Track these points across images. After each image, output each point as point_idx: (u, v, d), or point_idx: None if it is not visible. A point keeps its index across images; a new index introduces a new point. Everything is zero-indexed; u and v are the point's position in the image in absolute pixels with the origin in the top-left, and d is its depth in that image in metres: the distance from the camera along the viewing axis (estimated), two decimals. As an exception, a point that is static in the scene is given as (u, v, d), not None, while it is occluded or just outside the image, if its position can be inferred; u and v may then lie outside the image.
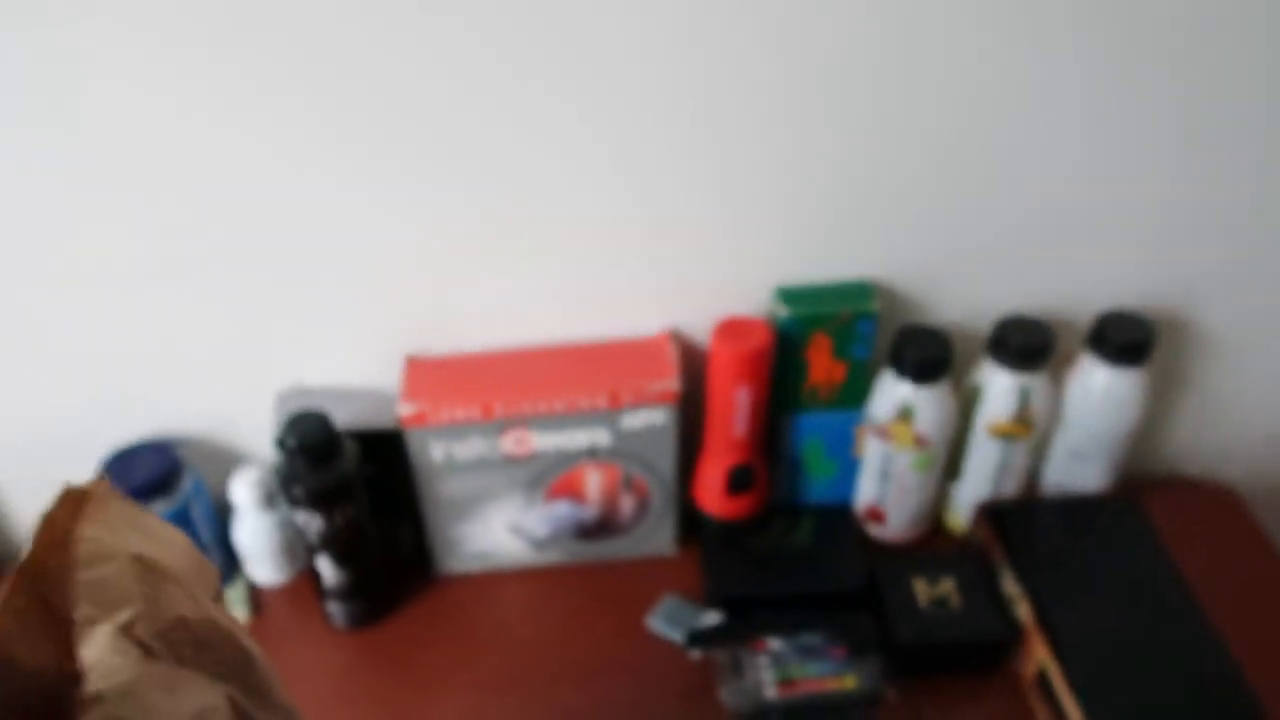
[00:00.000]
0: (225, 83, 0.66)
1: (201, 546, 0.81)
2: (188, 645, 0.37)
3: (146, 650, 0.34)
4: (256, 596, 0.84)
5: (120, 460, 0.78)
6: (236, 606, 0.82)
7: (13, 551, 0.88)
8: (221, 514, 0.83)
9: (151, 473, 0.77)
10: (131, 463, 0.78)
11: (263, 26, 0.64)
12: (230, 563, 0.84)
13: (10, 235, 0.71)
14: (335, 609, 0.80)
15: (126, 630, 0.34)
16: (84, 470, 0.81)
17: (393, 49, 0.66)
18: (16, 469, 0.83)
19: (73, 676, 0.36)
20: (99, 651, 0.33)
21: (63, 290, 0.74)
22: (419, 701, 0.76)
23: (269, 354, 0.80)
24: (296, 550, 0.82)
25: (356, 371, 0.81)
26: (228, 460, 0.84)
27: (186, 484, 0.79)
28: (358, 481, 0.74)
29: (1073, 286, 0.83)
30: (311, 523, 0.74)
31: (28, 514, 0.86)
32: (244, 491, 0.79)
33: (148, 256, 0.73)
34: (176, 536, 0.40)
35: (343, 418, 0.75)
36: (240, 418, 0.83)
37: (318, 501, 0.73)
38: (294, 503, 0.73)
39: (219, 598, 0.41)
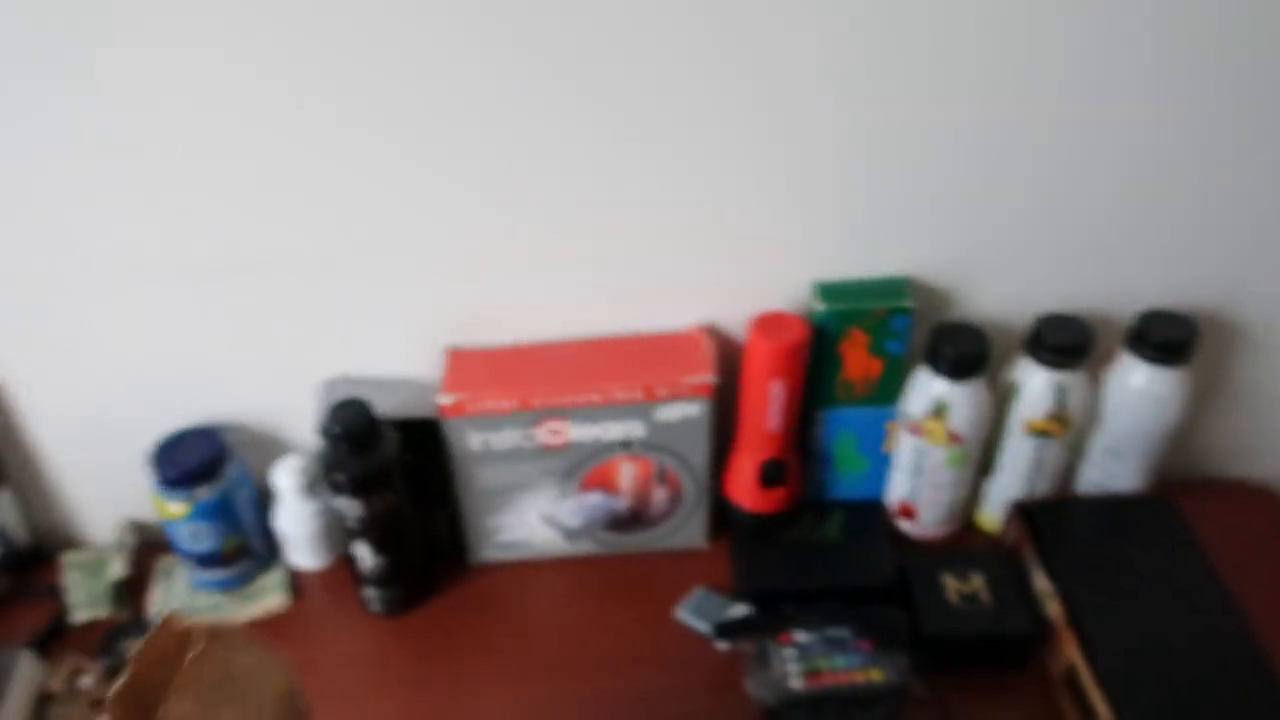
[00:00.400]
0: (273, 93, 0.68)
1: (244, 531, 0.83)
2: None
3: None
4: (296, 581, 0.86)
5: (169, 445, 0.80)
6: (276, 591, 0.84)
7: (68, 531, 0.91)
8: (264, 500, 0.85)
9: (199, 458, 0.79)
10: (180, 447, 0.80)
11: (306, 36, 0.66)
12: (271, 548, 0.86)
13: (72, 229, 0.74)
14: (372, 594, 0.81)
15: None
16: (135, 454, 0.83)
17: (427, 50, 0.67)
18: (73, 451, 0.86)
19: None
20: None
21: (120, 283, 0.77)
22: (452, 687, 0.77)
23: (315, 345, 0.81)
24: (335, 537, 0.84)
25: (399, 362, 0.83)
26: (272, 448, 0.86)
27: (232, 470, 0.81)
28: (398, 469, 0.76)
29: (1113, 284, 0.82)
30: (351, 508, 0.75)
31: (82, 493, 0.89)
32: (286, 478, 0.81)
33: (200, 254, 0.76)
34: (267, 684, 0.40)
35: (385, 406, 0.77)
36: (285, 407, 0.85)
37: (358, 487, 0.74)
38: (335, 488, 0.75)
39: None
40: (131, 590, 0.85)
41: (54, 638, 0.81)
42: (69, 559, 0.86)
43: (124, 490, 0.87)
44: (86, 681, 0.75)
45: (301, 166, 0.72)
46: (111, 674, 0.77)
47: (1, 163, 0.70)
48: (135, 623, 0.82)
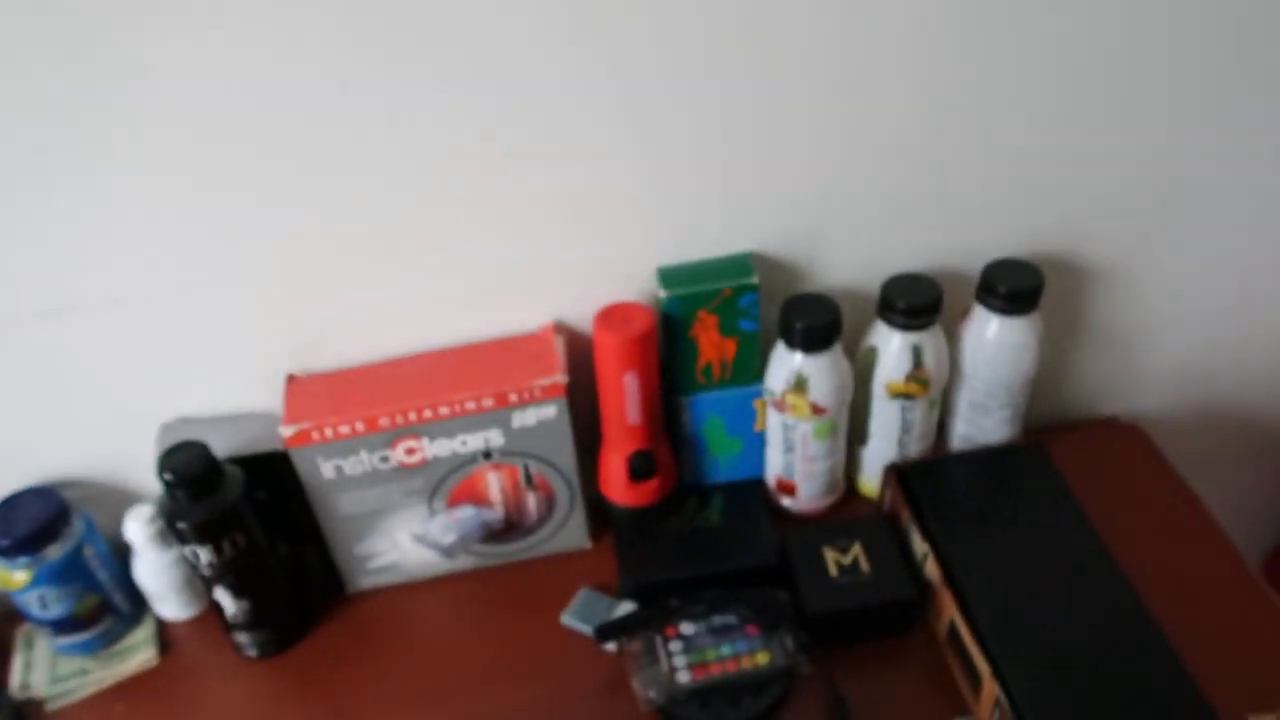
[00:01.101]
0: (82, 126, 0.64)
1: (100, 589, 0.79)
2: None
3: None
4: (166, 634, 0.82)
5: (3, 508, 0.76)
6: (144, 647, 0.81)
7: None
8: (121, 555, 0.81)
9: (37, 519, 0.75)
10: (14, 512, 0.76)
11: (106, 64, 0.62)
12: (136, 602, 0.83)
13: None
14: (243, 639, 0.78)
15: None
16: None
17: (239, 61, 0.64)
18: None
19: None
20: None
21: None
22: (336, 723, 0.75)
23: (150, 388, 0.78)
24: (198, 584, 0.81)
25: (242, 397, 0.79)
26: (121, 499, 0.82)
27: (77, 527, 0.77)
28: (245, 508, 0.73)
29: (959, 240, 0.82)
30: (202, 556, 0.72)
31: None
32: (137, 530, 0.78)
33: (10, 299, 0.71)
34: None
35: (227, 445, 0.74)
36: (128, 455, 0.81)
37: (204, 534, 0.71)
38: (181, 538, 0.71)
39: None
40: (-10, 666, 0.81)
41: (-95, 727, 0.77)
42: (-84, 643, 0.82)
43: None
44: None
45: (115, 199, 0.68)
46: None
47: None
48: (-5, 699, 0.77)
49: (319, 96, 0.66)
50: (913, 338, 0.78)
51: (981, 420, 0.84)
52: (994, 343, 0.79)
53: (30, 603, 0.76)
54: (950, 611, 0.73)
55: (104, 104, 0.64)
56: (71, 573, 0.76)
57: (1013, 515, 0.78)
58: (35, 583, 0.75)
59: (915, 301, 0.77)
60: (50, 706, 0.78)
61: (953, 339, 0.81)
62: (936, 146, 0.77)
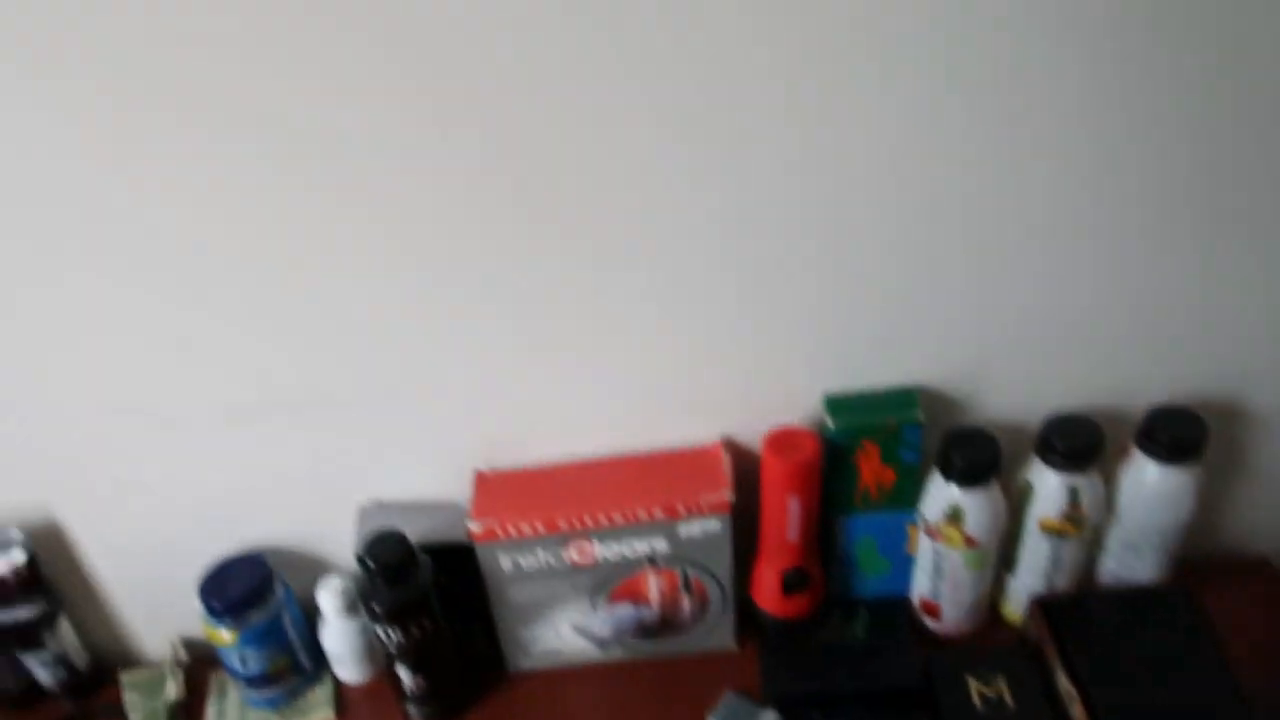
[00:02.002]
0: (299, 241, 0.73)
1: (290, 650, 0.86)
2: None
3: None
4: (342, 695, 0.90)
5: (216, 575, 0.84)
6: (323, 706, 0.88)
7: (125, 649, 0.95)
8: (309, 617, 0.89)
9: (245, 586, 0.83)
10: (229, 574, 0.84)
11: (323, 188, 0.70)
12: (318, 662, 0.90)
13: (115, 381, 0.78)
14: (414, 711, 0.85)
15: None
16: (187, 576, 0.87)
17: (442, 194, 0.71)
18: (127, 577, 0.90)
19: None
20: None
21: (163, 427, 0.81)
22: (495, 800, 0.80)
23: (350, 472, 0.85)
24: (378, 652, 0.88)
25: (431, 483, 0.86)
26: (314, 568, 0.90)
27: (277, 595, 0.85)
28: (433, 596, 0.79)
29: (1121, 381, 0.84)
30: (390, 635, 0.79)
31: (137, 614, 0.93)
32: (329, 600, 0.85)
33: (235, 396, 0.80)
34: None
35: (418, 532, 0.80)
36: (326, 528, 0.89)
37: (395, 616, 0.78)
38: (374, 617, 0.78)
39: None
40: (188, 707, 0.89)
41: (118, 758, 0.86)
42: (126, 680, 0.91)
43: (177, 607, 0.90)
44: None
45: (330, 317, 0.76)
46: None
47: (39, 325, 0.75)
48: (191, 743, 0.86)
49: (518, 223, 0.73)
50: (1070, 479, 0.80)
51: (1133, 560, 0.85)
52: (1152, 489, 0.81)
53: (232, 658, 0.84)
54: (1097, 757, 0.74)
55: (332, 220, 0.72)
56: (270, 636, 0.84)
57: (1159, 659, 0.79)
58: (239, 643, 0.83)
59: (1075, 444, 0.79)
60: (240, 753, 0.86)
61: (1109, 478, 0.83)
62: (1100, 287, 0.79)
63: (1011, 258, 0.77)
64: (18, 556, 0.83)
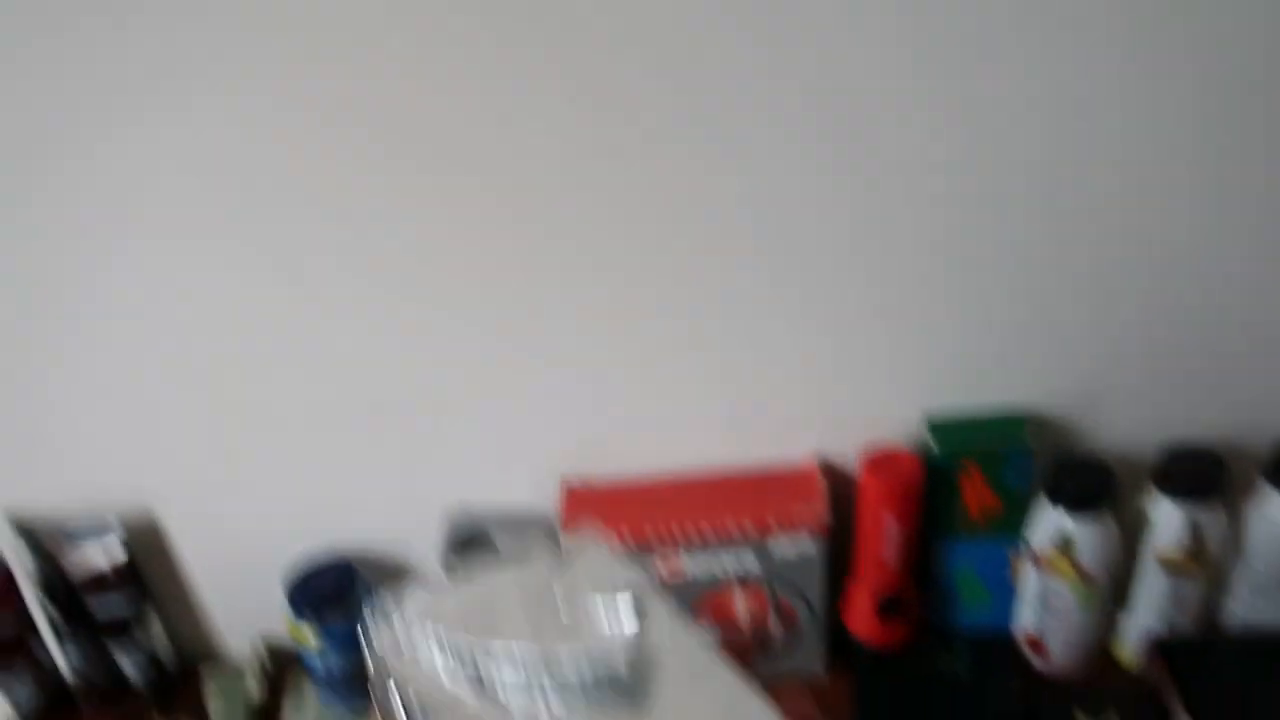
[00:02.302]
0: (403, 255, 0.73)
1: (373, 656, 0.86)
2: None
3: None
4: (421, 704, 0.88)
5: (306, 572, 0.84)
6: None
7: (209, 646, 0.96)
8: (391, 623, 0.88)
9: (334, 585, 0.83)
10: (316, 575, 0.84)
11: (422, 203, 0.71)
12: (398, 670, 0.89)
13: (217, 385, 0.80)
14: None
15: None
16: (272, 575, 0.88)
17: (542, 197, 0.71)
18: (216, 574, 0.91)
19: None
20: None
21: (261, 428, 0.82)
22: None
23: (438, 477, 0.85)
24: (459, 662, 0.87)
25: (519, 491, 0.85)
26: (398, 572, 0.90)
27: (363, 597, 0.85)
28: (517, 604, 0.78)
29: (1247, 411, 0.79)
30: (474, 642, 0.77)
31: (223, 611, 0.94)
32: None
33: (331, 400, 0.81)
34: None
35: (506, 545, 0.79)
36: (410, 533, 0.88)
37: (480, 623, 0.76)
38: (458, 623, 0.77)
39: None
40: (267, 708, 0.89)
41: (200, 756, 0.86)
42: (209, 679, 0.91)
43: (262, 607, 0.91)
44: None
45: (422, 325, 0.77)
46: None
47: (151, 326, 0.77)
48: (271, 745, 0.85)
49: (617, 232, 0.72)
50: (1191, 511, 0.75)
51: (1262, 605, 0.79)
52: (1284, 526, 0.75)
53: (314, 659, 0.84)
54: (1222, 813, 0.68)
55: (437, 227, 0.72)
56: (353, 639, 0.84)
57: (1294, 713, 0.73)
58: (322, 644, 0.83)
59: (1196, 473, 0.74)
60: (317, 757, 0.85)
61: (1234, 516, 0.77)
62: (1227, 311, 0.75)
63: (1133, 277, 0.74)
64: (116, 549, 0.84)
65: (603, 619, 0.32)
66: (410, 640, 0.35)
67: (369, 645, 0.36)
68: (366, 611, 0.83)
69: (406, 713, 0.31)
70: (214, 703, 0.89)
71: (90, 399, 0.81)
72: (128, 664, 0.89)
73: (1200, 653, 0.78)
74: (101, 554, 0.84)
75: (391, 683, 0.33)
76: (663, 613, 0.33)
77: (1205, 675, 0.76)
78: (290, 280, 0.75)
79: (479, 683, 0.32)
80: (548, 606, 0.35)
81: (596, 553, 0.38)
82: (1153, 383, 0.78)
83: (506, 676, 0.32)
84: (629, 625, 0.31)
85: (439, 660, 0.36)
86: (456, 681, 0.34)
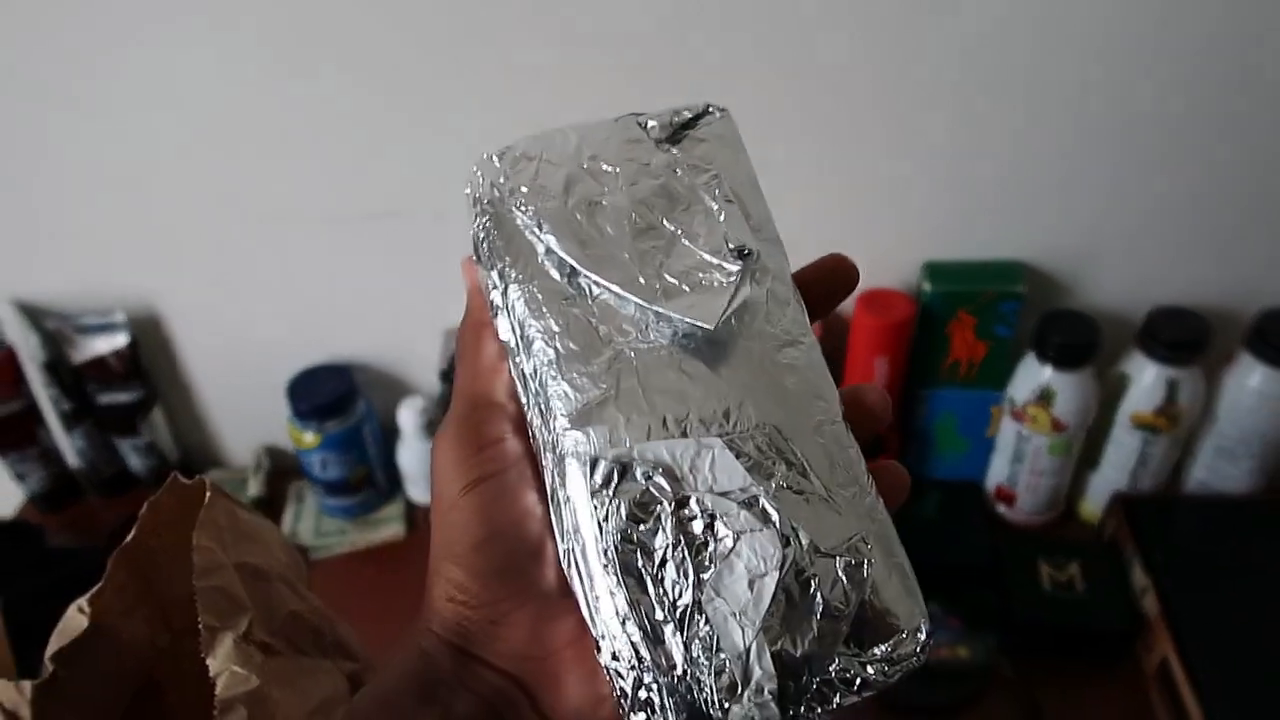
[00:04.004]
0: (415, 60, 0.73)
1: (368, 463, 0.89)
2: (304, 634, 0.39)
3: (267, 649, 0.37)
4: (412, 514, 0.92)
5: (304, 379, 0.87)
6: (394, 522, 0.91)
7: (212, 451, 0.99)
8: (388, 437, 0.91)
9: (331, 393, 0.85)
10: (313, 382, 0.86)
11: (454, 24, 0.70)
12: (392, 481, 0.93)
13: (225, 179, 0.80)
14: (482, 532, 0.86)
15: (246, 637, 0.36)
16: (275, 384, 0.90)
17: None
18: (220, 379, 0.94)
19: (168, 650, 0.39)
20: (223, 661, 0.35)
21: (269, 226, 0.83)
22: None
23: (441, 294, 0.86)
24: (451, 475, 0.90)
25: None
26: (397, 388, 0.92)
27: (360, 406, 0.87)
28: (511, 416, 0.80)
29: (1236, 280, 0.80)
30: (468, 450, 0.80)
31: (226, 417, 0.96)
32: (409, 418, 0.87)
33: (341, 201, 0.81)
34: (271, 533, 0.42)
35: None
36: (410, 349, 0.90)
37: (475, 431, 0.79)
38: (454, 430, 0.80)
39: (309, 584, 0.44)
40: (266, 510, 0.93)
41: (197, 547, 0.89)
42: (211, 477, 0.94)
43: (263, 416, 0.94)
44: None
45: (437, 123, 0.77)
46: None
47: (160, 122, 0.77)
48: (268, 540, 0.89)
49: (610, 61, 0.72)
50: (1170, 372, 0.77)
51: (1226, 468, 0.82)
52: (1257, 392, 0.77)
53: (313, 462, 0.87)
54: (1165, 649, 0.72)
55: (441, 38, 0.72)
56: (351, 443, 0.87)
57: (1243, 569, 0.76)
58: (321, 446, 0.86)
59: (1180, 335, 0.76)
60: (312, 555, 0.89)
61: (1211, 380, 0.80)
62: (1228, 181, 0.75)
63: (1140, 141, 0.74)
64: (121, 340, 0.86)
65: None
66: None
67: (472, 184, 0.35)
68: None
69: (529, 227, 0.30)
70: (214, 498, 0.92)
71: (97, 192, 0.81)
72: (133, 457, 0.92)
73: (1161, 511, 0.82)
74: (108, 346, 0.86)
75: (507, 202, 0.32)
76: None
77: (1164, 533, 0.79)
78: (302, 79, 0.75)
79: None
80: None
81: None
82: (1147, 245, 0.79)
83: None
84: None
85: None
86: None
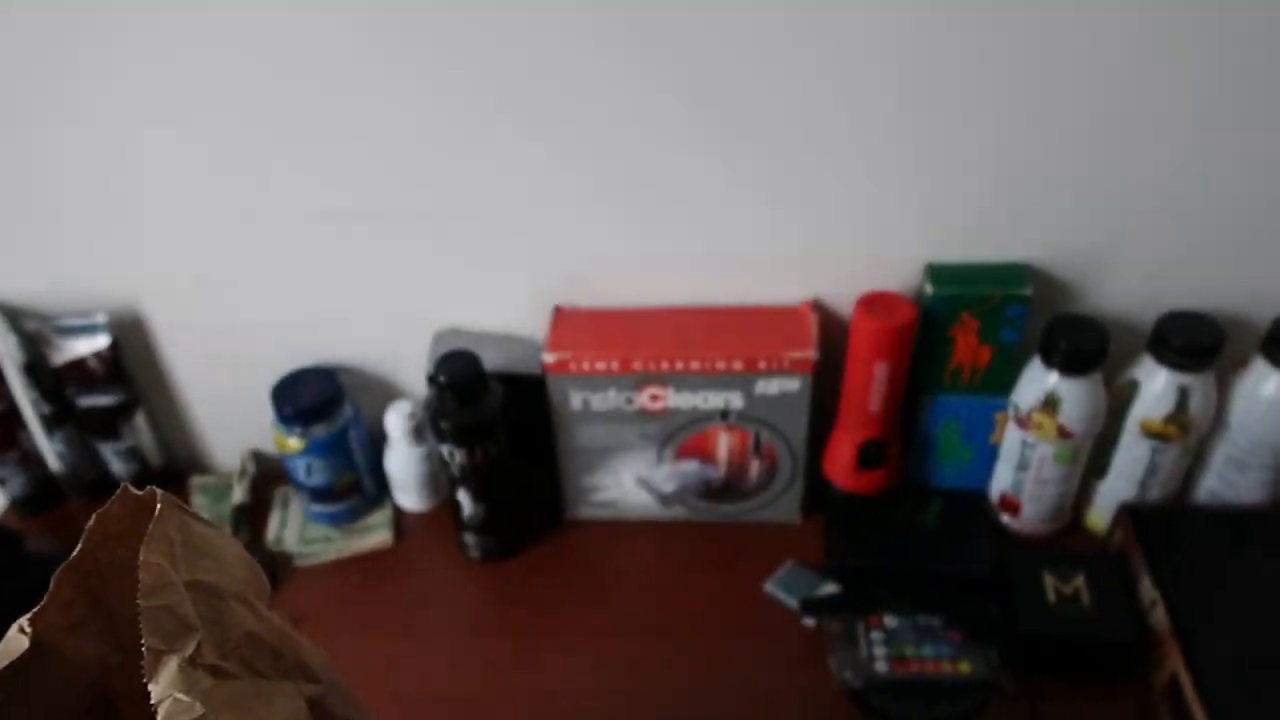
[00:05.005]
0: (405, 58, 0.71)
1: (355, 469, 0.87)
2: (262, 656, 0.37)
3: (217, 672, 0.34)
4: (401, 521, 0.90)
5: (289, 383, 0.84)
6: (382, 529, 0.88)
7: (196, 456, 0.97)
8: (375, 442, 0.89)
9: (316, 397, 0.83)
10: (299, 386, 0.84)
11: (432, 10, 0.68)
12: (380, 487, 0.90)
13: (209, 176, 0.78)
14: (470, 540, 0.84)
15: (193, 660, 0.34)
16: (260, 387, 0.88)
17: (548, 25, 0.68)
18: (204, 382, 0.92)
19: (120, 668, 0.37)
20: (166, 687, 0.33)
21: (255, 225, 0.81)
22: (539, 637, 0.80)
23: (429, 296, 0.84)
24: (440, 483, 0.88)
25: (508, 317, 0.85)
26: (385, 393, 0.90)
27: (347, 410, 0.85)
28: (501, 422, 0.78)
29: (1250, 285, 0.78)
30: (455, 456, 0.78)
31: (211, 421, 0.94)
32: (397, 423, 0.85)
33: (329, 202, 0.79)
34: (230, 547, 0.40)
35: (492, 360, 0.79)
36: (398, 353, 0.88)
37: (462, 437, 0.77)
38: (440, 436, 0.78)
39: (270, 602, 0.41)
40: (251, 516, 0.91)
41: (179, 554, 0.87)
42: (196, 482, 0.93)
43: (248, 420, 0.92)
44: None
45: (421, 130, 0.74)
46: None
47: (141, 119, 0.75)
48: (252, 546, 0.87)
49: (622, 64, 0.70)
50: (1181, 378, 0.74)
51: (1236, 477, 0.80)
52: (1271, 401, 0.75)
53: (298, 467, 0.85)
54: (1174, 664, 0.70)
55: (429, 35, 0.70)
56: (337, 449, 0.84)
57: (1255, 582, 0.74)
58: (306, 451, 0.83)
59: (1192, 340, 0.73)
60: (297, 563, 0.86)
61: (1223, 388, 0.77)
62: (1241, 186, 0.73)
63: (1144, 138, 0.71)
64: (101, 341, 0.84)
65: None
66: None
67: None
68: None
69: None
70: (198, 499, 0.90)
71: (77, 189, 0.79)
72: (115, 462, 0.90)
73: (1170, 522, 0.79)
74: (88, 347, 0.84)
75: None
76: None
77: (1173, 544, 0.77)
78: (281, 78, 0.73)
79: None
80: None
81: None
82: (1158, 248, 0.77)
83: None
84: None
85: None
86: None
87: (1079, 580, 0.76)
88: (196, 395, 0.92)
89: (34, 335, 0.84)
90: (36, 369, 0.84)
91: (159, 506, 0.37)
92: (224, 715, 0.33)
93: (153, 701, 0.32)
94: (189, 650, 0.34)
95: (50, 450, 0.90)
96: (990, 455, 0.84)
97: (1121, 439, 0.79)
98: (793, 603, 0.79)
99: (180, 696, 0.32)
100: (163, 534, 0.36)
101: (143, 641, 0.33)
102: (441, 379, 0.76)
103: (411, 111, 0.74)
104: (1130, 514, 0.79)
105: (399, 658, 0.78)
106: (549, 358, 0.78)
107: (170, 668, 0.33)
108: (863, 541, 0.81)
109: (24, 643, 0.35)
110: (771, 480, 0.84)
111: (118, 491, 0.38)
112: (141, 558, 0.35)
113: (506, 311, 0.85)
